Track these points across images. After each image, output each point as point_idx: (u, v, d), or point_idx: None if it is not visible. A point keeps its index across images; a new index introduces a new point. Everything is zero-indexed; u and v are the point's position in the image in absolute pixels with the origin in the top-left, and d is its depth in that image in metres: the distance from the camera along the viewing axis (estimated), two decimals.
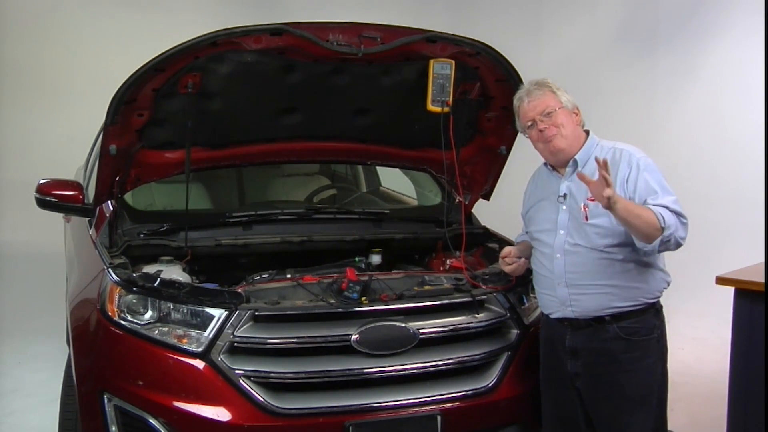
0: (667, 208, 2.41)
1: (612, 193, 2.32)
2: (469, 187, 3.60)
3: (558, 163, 2.66)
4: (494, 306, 2.90)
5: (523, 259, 2.85)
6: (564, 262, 2.59)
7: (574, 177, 2.58)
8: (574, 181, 2.59)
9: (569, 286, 2.58)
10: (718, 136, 7.38)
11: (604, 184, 2.32)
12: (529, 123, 2.62)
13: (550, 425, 2.79)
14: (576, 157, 2.60)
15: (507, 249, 2.90)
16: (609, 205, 2.33)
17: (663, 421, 2.69)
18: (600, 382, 2.59)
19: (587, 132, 2.67)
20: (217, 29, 2.73)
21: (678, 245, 2.45)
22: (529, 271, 3.13)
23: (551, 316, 2.68)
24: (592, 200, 2.49)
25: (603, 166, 2.32)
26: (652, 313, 2.58)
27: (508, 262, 2.86)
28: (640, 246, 2.44)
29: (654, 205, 2.42)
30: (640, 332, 2.55)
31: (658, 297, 2.60)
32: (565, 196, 2.62)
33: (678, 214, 2.42)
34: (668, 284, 2.63)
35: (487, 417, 2.78)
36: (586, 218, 2.53)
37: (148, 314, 2.65)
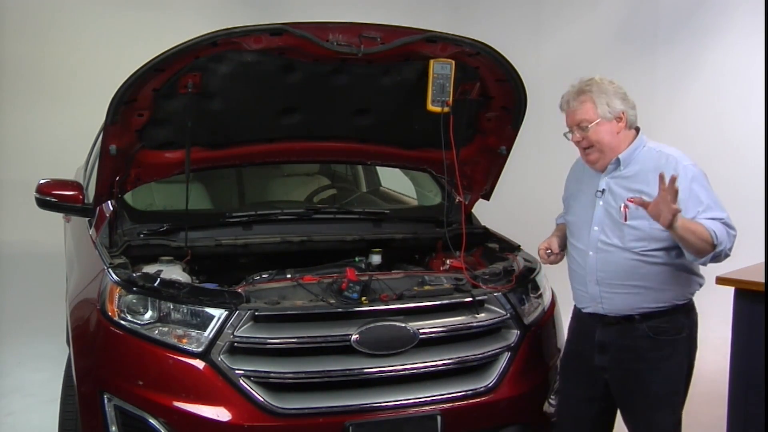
0: (720, 220, 2.40)
1: (680, 209, 2.29)
2: (469, 187, 3.60)
3: (595, 169, 2.64)
4: (494, 306, 2.89)
5: (561, 253, 2.82)
6: (596, 260, 2.59)
7: (615, 174, 2.58)
8: (615, 178, 2.58)
9: (600, 283, 2.58)
10: (718, 136, 7.38)
11: (669, 200, 2.27)
12: (568, 129, 2.63)
13: (562, 420, 2.81)
14: (620, 156, 2.57)
15: (550, 240, 2.83)
16: (672, 222, 2.30)
17: (680, 420, 2.67)
18: (628, 378, 2.59)
19: (638, 129, 2.62)
20: (217, 29, 2.73)
21: (726, 257, 2.45)
22: (530, 271, 3.14)
23: (583, 311, 2.69)
24: (633, 201, 2.47)
25: (671, 183, 2.27)
26: (683, 313, 2.57)
27: (549, 255, 2.80)
28: (691, 259, 2.45)
29: (707, 219, 2.40)
30: (669, 331, 2.54)
31: (690, 298, 2.59)
32: (603, 191, 2.61)
33: (728, 227, 2.41)
34: (701, 286, 2.61)
35: (487, 417, 2.78)
36: (625, 219, 2.51)
37: (148, 314, 2.65)
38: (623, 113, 2.57)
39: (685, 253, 2.44)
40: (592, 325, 2.65)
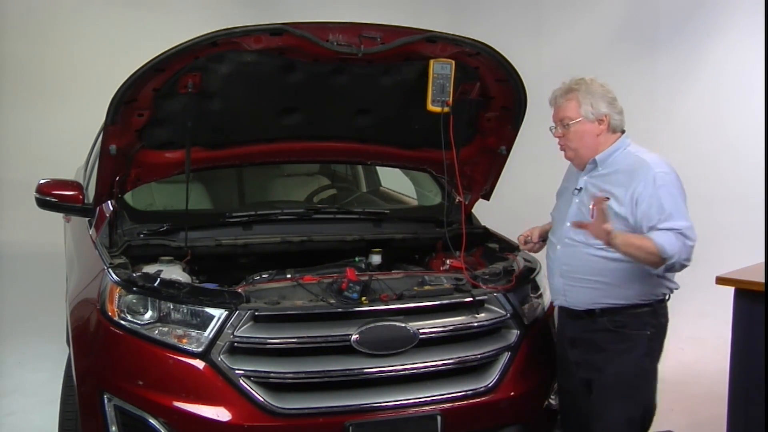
0: (677, 231, 2.41)
1: (611, 228, 2.39)
2: (469, 187, 3.60)
3: (574, 166, 2.75)
4: (494, 306, 2.89)
5: (541, 243, 2.94)
6: (562, 254, 2.69)
7: (593, 174, 2.65)
8: (592, 178, 2.65)
9: (563, 276, 2.68)
10: (718, 136, 7.39)
11: (602, 220, 2.38)
12: (552, 125, 2.72)
13: (564, 417, 2.87)
14: (596, 157, 2.65)
15: (533, 230, 2.97)
16: (609, 240, 2.40)
17: (643, 422, 2.66)
18: (592, 371, 2.66)
19: (623, 132, 2.68)
20: (217, 29, 2.73)
21: (683, 267, 2.47)
22: (530, 271, 3.15)
23: (554, 303, 2.82)
24: (596, 202, 2.52)
25: (598, 203, 2.41)
26: (648, 312, 2.59)
27: (527, 243, 2.94)
28: (647, 269, 2.48)
29: (662, 230, 2.42)
30: (630, 326, 2.58)
31: (655, 300, 2.60)
32: (580, 189, 2.69)
33: (686, 237, 2.42)
34: (671, 290, 2.63)
35: (487, 417, 2.78)
36: (592, 217, 2.56)
37: (148, 314, 2.65)
38: (606, 116, 2.63)
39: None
40: (563, 318, 2.77)
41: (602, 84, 2.67)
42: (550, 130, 2.72)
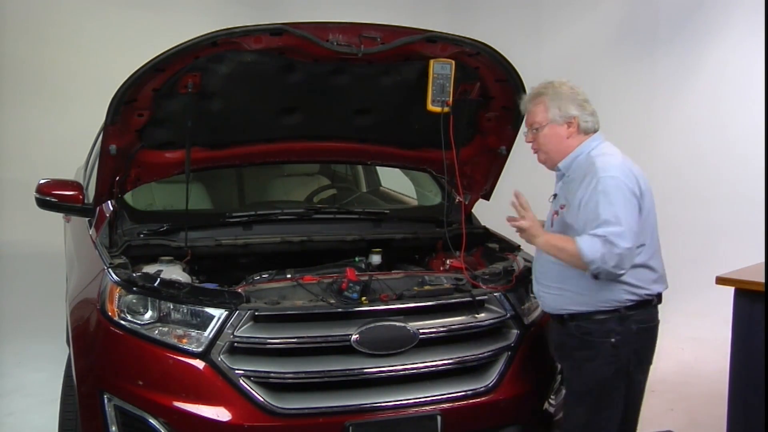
0: (602, 237, 2.39)
1: (525, 225, 2.53)
2: (469, 187, 3.60)
3: (548, 169, 2.75)
4: (494, 306, 2.90)
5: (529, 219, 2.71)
6: (536, 259, 2.74)
7: (564, 179, 2.67)
8: (564, 183, 2.67)
9: (537, 281, 2.73)
10: (718, 136, 7.38)
11: (520, 216, 2.52)
12: (525, 129, 2.74)
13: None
14: (559, 164, 2.66)
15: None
16: (527, 238, 2.53)
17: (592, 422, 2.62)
18: (563, 372, 2.74)
19: (596, 132, 2.65)
20: (217, 29, 2.73)
21: (613, 276, 2.45)
22: (530, 271, 3.14)
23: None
24: (563, 208, 2.60)
25: (517, 197, 2.53)
26: (614, 319, 2.54)
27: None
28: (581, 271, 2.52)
29: (590, 235, 2.42)
30: (594, 334, 2.56)
31: (620, 306, 2.54)
32: (555, 195, 2.73)
33: (613, 244, 2.39)
34: (639, 297, 2.54)
35: (487, 417, 2.78)
36: (552, 224, 2.65)
37: (148, 314, 2.65)
38: (575, 119, 2.62)
39: None
40: (550, 322, 2.78)
41: (572, 87, 2.66)
42: (524, 135, 2.74)
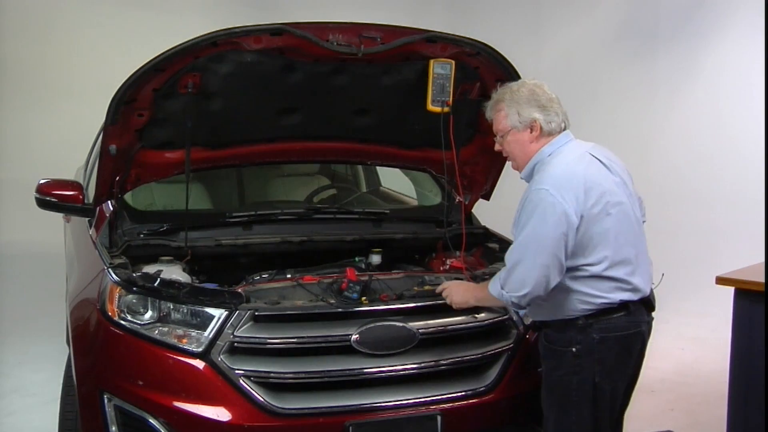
0: (501, 280, 2.47)
1: (443, 291, 2.73)
2: (469, 187, 3.60)
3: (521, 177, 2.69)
4: None
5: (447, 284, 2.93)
6: None
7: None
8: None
9: None
10: (718, 136, 7.39)
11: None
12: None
13: None
14: (521, 175, 2.63)
15: None
16: (458, 301, 2.71)
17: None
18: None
19: (563, 132, 2.55)
20: (217, 29, 2.73)
21: (516, 298, 2.44)
22: None
23: None
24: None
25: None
26: (575, 328, 2.47)
27: None
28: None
29: (497, 277, 2.51)
30: (557, 342, 2.52)
31: (579, 315, 2.46)
32: None
33: (509, 271, 2.44)
34: (595, 306, 2.44)
35: (487, 417, 2.78)
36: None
37: (148, 314, 2.65)
38: (536, 122, 2.51)
39: None
40: None
41: (533, 88, 2.55)
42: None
